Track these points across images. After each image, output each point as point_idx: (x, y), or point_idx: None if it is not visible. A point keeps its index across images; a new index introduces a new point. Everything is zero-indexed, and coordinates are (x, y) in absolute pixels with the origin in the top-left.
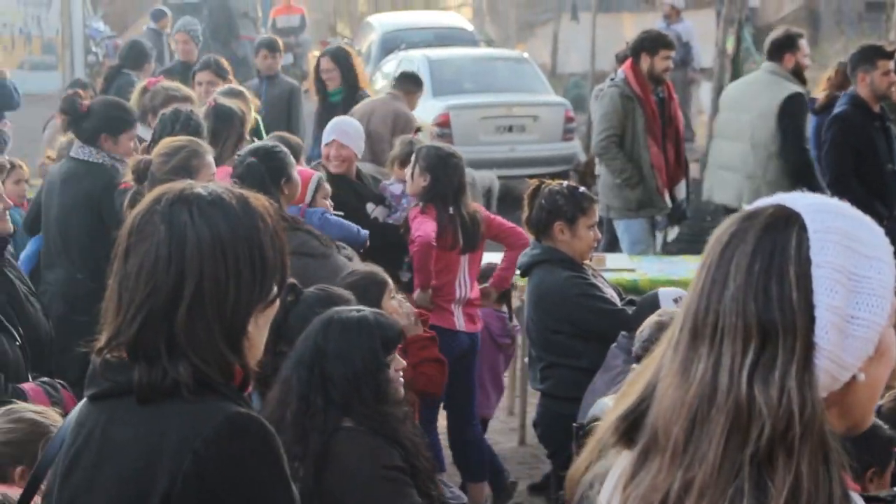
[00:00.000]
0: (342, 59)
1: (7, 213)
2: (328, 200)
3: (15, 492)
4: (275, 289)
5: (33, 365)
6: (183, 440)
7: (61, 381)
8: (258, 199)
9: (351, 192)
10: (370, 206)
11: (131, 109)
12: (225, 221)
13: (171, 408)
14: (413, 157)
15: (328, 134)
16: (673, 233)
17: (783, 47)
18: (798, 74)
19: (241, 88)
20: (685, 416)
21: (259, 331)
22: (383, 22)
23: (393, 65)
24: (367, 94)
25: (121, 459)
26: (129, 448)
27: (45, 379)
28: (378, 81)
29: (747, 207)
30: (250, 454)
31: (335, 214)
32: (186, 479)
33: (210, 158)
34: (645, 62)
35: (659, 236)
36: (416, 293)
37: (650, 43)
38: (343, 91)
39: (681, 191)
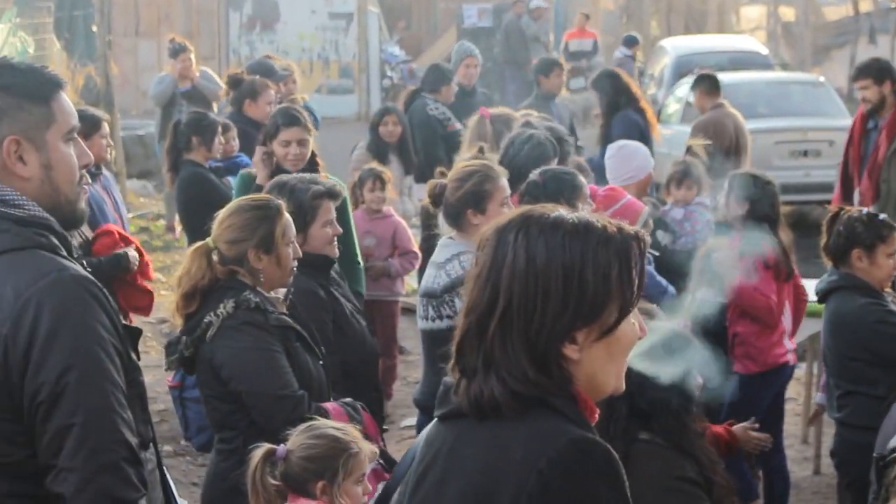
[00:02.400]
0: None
1: (335, 238)
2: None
3: None
4: (611, 317)
5: (359, 381)
6: (527, 459)
7: (363, 404)
8: (610, 227)
9: None
10: (659, 234)
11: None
12: (545, 246)
13: (513, 426)
14: (727, 185)
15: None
16: None
17: None
18: None
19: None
20: None
21: (595, 359)
22: (676, 46)
23: (686, 88)
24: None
25: (464, 476)
26: (471, 465)
27: (348, 400)
28: (671, 105)
29: None
30: (595, 476)
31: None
32: (531, 498)
33: (504, 181)
34: None
35: None
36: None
37: None
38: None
39: None
